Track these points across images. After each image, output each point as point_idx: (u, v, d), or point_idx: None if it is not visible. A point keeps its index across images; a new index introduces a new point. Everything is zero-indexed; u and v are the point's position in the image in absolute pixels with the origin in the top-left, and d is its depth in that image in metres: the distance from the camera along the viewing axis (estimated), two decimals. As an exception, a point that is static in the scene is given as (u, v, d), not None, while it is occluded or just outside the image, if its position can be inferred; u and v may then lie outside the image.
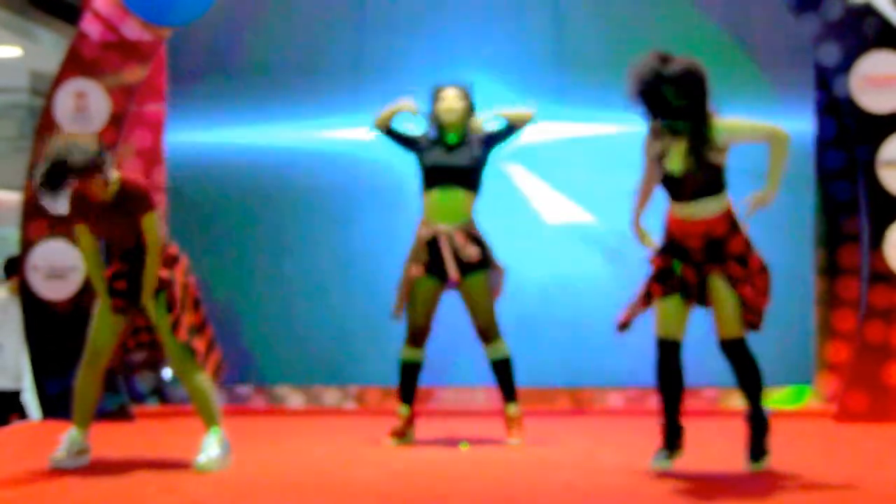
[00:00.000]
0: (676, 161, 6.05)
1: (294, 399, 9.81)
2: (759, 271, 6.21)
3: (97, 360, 6.82)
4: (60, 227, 9.04)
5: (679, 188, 6.05)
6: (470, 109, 7.74)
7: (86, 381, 6.90)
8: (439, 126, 7.75)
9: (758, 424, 6.47)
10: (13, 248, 9.46)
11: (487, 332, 7.60)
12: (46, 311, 9.09)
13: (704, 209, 6.04)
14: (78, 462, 6.70)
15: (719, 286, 6.08)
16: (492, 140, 7.69)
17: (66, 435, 6.76)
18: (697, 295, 6.23)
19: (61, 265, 9.07)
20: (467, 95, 7.76)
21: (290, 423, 9.07)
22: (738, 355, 6.29)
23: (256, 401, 9.80)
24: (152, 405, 9.69)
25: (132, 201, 6.54)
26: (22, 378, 9.93)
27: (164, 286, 6.52)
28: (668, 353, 6.45)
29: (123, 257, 6.67)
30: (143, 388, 9.69)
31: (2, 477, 6.74)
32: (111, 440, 7.82)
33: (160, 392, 9.91)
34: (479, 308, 7.56)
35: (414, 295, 7.67)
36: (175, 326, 6.49)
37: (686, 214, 6.06)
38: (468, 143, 7.64)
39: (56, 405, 9.01)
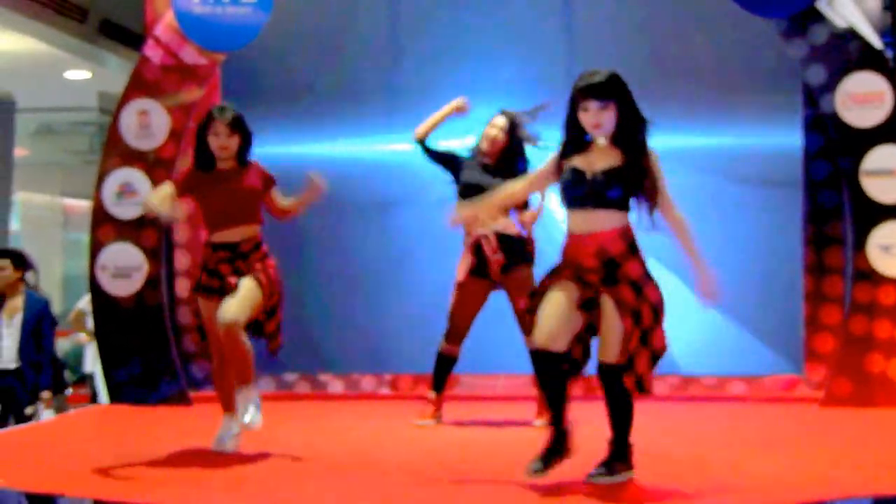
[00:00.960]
0: (594, 160, 5.11)
1: (335, 385, 9.86)
2: (652, 305, 5.17)
3: (223, 350, 6.40)
4: (126, 231, 9.13)
5: (586, 190, 5.07)
6: (512, 143, 7.61)
7: (219, 371, 6.59)
8: (479, 147, 7.71)
9: (619, 451, 5.44)
10: (84, 252, 9.49)
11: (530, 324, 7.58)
12: (113, 307, 9.17)
13: (603, 222, 5.08)
14: (235, 444, 6.46)
15: (607, 309, 5.07)
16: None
17: (223, 421, 6.56)
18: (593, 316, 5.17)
19: (126, 265, 9.14)
20: (514, 128, 7.62)
21: (331, 407, 9.13)
22: (614, 383, 5.18)
23: (301, 386, 9.85)
24: (207, 390, 9.75)
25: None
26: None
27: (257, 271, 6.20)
28: (549, 362, 5.14)
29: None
30: (199, 375, 9.75)
31: (75, 455, 6.81)
32: (171, 422, 7.90)
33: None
34: (520, 302, 7.49)
35: (462, 296, 7.67)
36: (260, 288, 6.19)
37: (584, 226, 5.10)
38: (505, 164, 7.57)
39: (122, 391, 9.10)
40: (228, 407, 6.47)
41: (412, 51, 9.75)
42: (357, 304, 9.73)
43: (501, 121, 7.62)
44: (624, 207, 5.14)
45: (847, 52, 8.64)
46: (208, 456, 6.00)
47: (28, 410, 9.35)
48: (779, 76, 9.21)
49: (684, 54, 9.48)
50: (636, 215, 5.22)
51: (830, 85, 8.66)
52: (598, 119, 5.07)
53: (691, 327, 9.29)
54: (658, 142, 9.26)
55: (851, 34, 8.64)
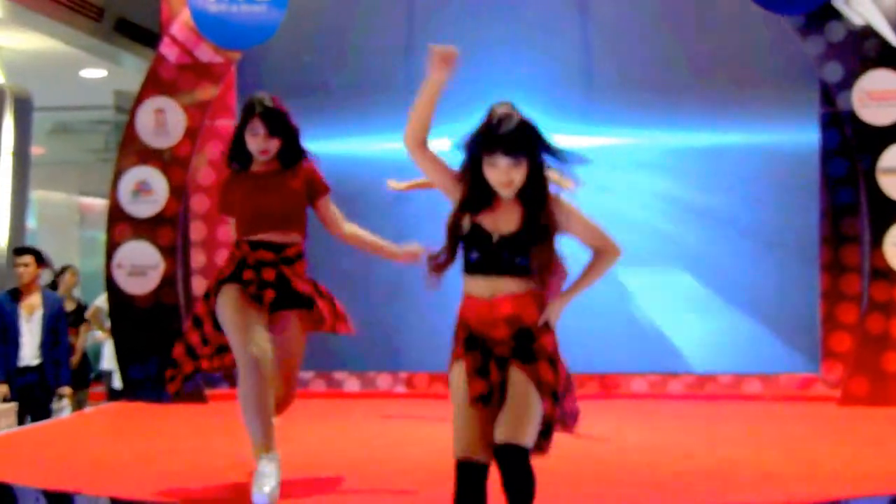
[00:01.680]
0: (500, 219, 4.20)
1: (351, 383, 9.87)
2: (564, 382, 4.59)
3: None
4: (142, 229, 9.15)
5: (490, 256, 4.18)
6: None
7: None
8: None
9: None
10: (100, 250, 9.52)
11: None
12: (129, 305, 9.20)
13: (512, 286, 4.17)
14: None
15: (519, 382, 4.10)
16: None
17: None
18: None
19: (141, 263, 9.18)
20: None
21: (347, 405, 9.16)
22: (517, 465, 4.07)
23: (317, 384, 9.86)
24: (223, 388, 9.77)
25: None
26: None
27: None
28: (472, 476, 4.07)
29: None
30: (216, 373, 9.77)
31: (92, 453, 6.83)
32: (187, 419, 7.92)
33: (231, 376, 9.98)
34: None
35: None
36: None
37: (488, 291, 4.18)
38: None
39: (139, 388, 9.13)
40: (267, 444, 5.19)
41: (424, 49, 9.73)
42: (372, 302, 9.71)
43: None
44: (530, 274, 4.21)
45: (864, 50, 8.63)
46: (223, 453, 6.01)
47: (54, 406, 9.45)
48: (796, 74, 9.19)
49: (701, 52, 9.46)
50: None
51: (847, 82, 8.65)
52: (510, 176, 4.11)
53: (707, 326, 9.30)
54: (671, 140, 9.39)
55: (868, 32, 8.63)
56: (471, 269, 4.24)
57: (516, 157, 4.09)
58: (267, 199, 5.30)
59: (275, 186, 5.34)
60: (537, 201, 4.20)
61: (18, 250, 9.58)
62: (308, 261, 5.56)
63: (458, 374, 4.19)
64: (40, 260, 9.42)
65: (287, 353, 5.22)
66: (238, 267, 5.29)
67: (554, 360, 4.19)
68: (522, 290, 4.19)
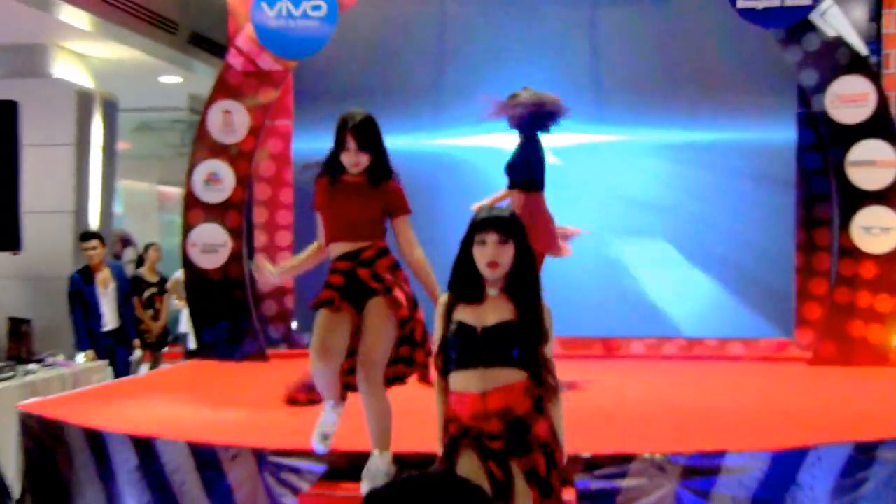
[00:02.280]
0: (484, 312, 3.75)
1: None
2: (561, 468, 3.82)
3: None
4: (212, 213, 9.22)
5: (477, 348, 3.70)
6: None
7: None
8: None
9: None
10: (177, 231, 9.61)
11: None
12: (202, 278, 9.27)
13: (502, 378, 3.68)
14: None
15: (516, 483, 3.63)
16: None
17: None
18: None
19: (212, 242, 9.25)
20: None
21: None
22: None
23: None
24: (282, 349, 9.84)
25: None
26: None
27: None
28: None
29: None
30: (276, 336, 9.84)
31: (171, 404, 6.90)
32: (252, 374, 7.98)
33: (288, 339, 10.06)
34: None
35: None
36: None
37: (479, 385, 3.69)
38: None
39: (209, 348, 9.23)
40: (332, 394, 5.02)
41: (456, 58, 9.76)
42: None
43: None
44: (523, 364, 3.73)
45: (836, 58, 8.60)
46: (284, 405, 6.07)
47: (134, 357, 9.68)
48: (776, 79, 9.16)
49: (694, 61, 9.44)
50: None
51: (821, 86, 8.63)
52: (496, 254, 3.70)
53: (696, 297, 9.32)
54: (668, 137, 9.39)
55: (840, 42, 8.59)
56: (459, 364, 3.75)
57: (505, 237, 3.71)
58: (345, 209, 4.94)
59: (356, 198, 4.97)
60: (529, 297, 3.76)
61: (84, 236, 9.66)
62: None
63: (466, 464, 3.67)
64: (104, 241, 9.56)
65: (364, 341, 4.80)
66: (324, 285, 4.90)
67: (550, 449, 3.72)
68: (517, 380, 3.70)
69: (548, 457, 3.70)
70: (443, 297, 3.90)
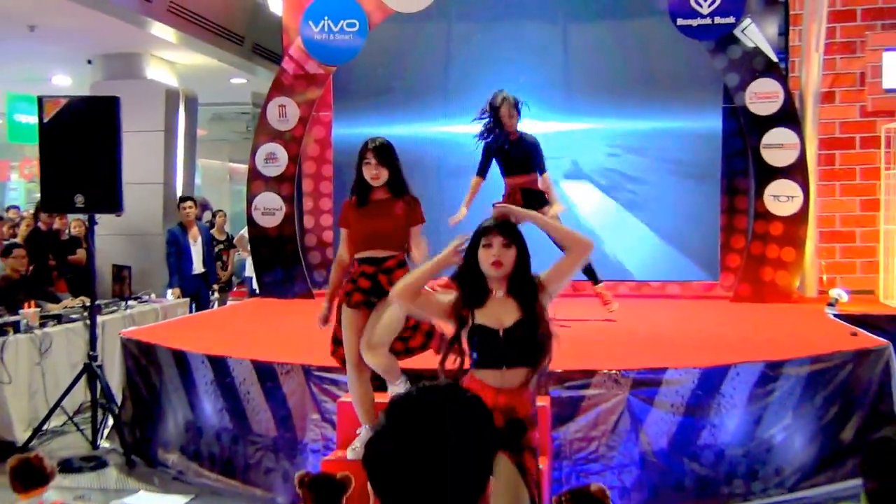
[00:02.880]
0: (499, 315, 3.35)
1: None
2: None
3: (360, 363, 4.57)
4: (270, 184, 9.18)
5: (501, 350, 3.31)
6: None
7: (356, 384, 4.63)
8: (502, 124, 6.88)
9: None
10: (243, 198, 9.59)
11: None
12: (263, 234, 9.24)
13: (514, 379, 3.32)
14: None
15: (508, 472, 3.21)
16: None
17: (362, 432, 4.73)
18: None
19: (270, 207, 9.21)
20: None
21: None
22: None
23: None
24: (325, 289, 9.78)
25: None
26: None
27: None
28: None
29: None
30: (319, 279, 9.83)
31: (239, 331, 6.90)
32: (301, 309, 7.97)
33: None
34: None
35: None
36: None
37: (494, 382, 3.31)
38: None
39: (269, 289, 9.21)
40: (368, 419, 4.62)
41: (459, 62, 9.67)
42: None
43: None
44: (533, 364, 3.37)
45: (753, 64, 8.49)
46: (325, 333, 6.07)
47: (215, 296, 9.78)
48: (706, 80, 9.03)
49: (643, 65, 9.31)
50: None
51: (742, 86, 8.51)
52: (500, 254, 3.33)
53: (644, 249, 9.27)
54: (625, 125, 9.31)
55: (757, 51, 8.48)
56: (483, 364, 3.35)
57: (508, 239, 3.35)
58: (374, 223, 4.53)
59: (384, 211, 4.54)
60: (530, 298, 3.36)
61: (183, 198, 9.99)
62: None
63: None
64: (197, 204, 9.66)
65: (367, 327, 4.48)
66: (351, 282, 4.57)
67: (535, 453, 3.37)
68: (525, 385, 3.36)
69: (534, 459, 3.35)
70: (451, 296, 3.45)
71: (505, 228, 3.40)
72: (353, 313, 4.52)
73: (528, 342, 3.33)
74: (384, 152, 4.59)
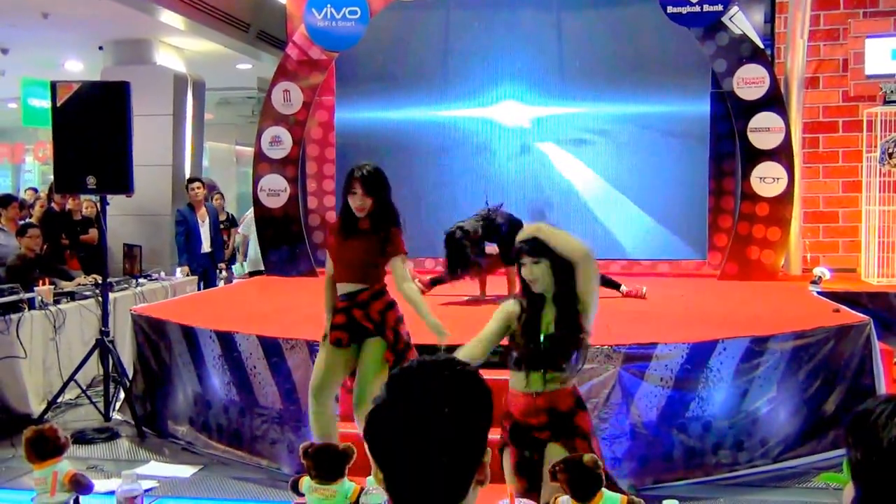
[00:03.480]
0: (543, 324, 3.35)
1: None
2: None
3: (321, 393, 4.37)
4: (275, 166, 9.15)
5: (542, 354, 3.31)
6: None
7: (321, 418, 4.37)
8: None
9: None
10: (249, 180, 9.56)
11: None
12: (269, 214, 9.22)
13: (555, 381, 3.31)
14: None
15: (559, 455, 2.98)
16: None
17: None
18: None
19: (276, 188, 9.19)
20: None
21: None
22: None
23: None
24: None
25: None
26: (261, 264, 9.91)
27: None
28: None
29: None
30: (322, 258, 9.77)
31: (246, 307, 6.87)
32: (304, 286, 7.96)
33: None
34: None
35: None
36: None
37: (534, 387, 3.29)
38: None
39: (275, 267, 9.20)
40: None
41: (456, 50, 9.62)
42: (420, 222, 9.63)
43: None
44: (571, 366, 3.36)
45: (740, 51, 8.45)
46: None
47: (222, 275, 9.75)
48: (696, 66, 9.00)
49: (635, 51, 9.26)
50: None
51: (730, 71, 8.47)
52: (529, 272, 3.33)
53: (635, 229, 9.26)
54: (617, 109, 9.27)
55: (744, 38, 8.43)
56: (524, 367, 3.35)
57: (535, 258, 3.30)
58: (349, 255, 4.29)
59: (359, 244, 4.26)
60: (569, 304, 3.33)
61: (191, 179, 9.96)
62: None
63: (508, 460, 3.36)
64: (205, 186, 9.63)
65: (358, 382, 4.32)
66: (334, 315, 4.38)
67: (588, 439, 3.32)
68: (565, 385, 3.35)
69: (587, 444, 3.28)
70: (515, 307, 3.41)
71: (531, 246, 3.35)
72: (330, 349, 4.35)
73: (571, 345, 3.32)
74: (371, 182, 4.25)
